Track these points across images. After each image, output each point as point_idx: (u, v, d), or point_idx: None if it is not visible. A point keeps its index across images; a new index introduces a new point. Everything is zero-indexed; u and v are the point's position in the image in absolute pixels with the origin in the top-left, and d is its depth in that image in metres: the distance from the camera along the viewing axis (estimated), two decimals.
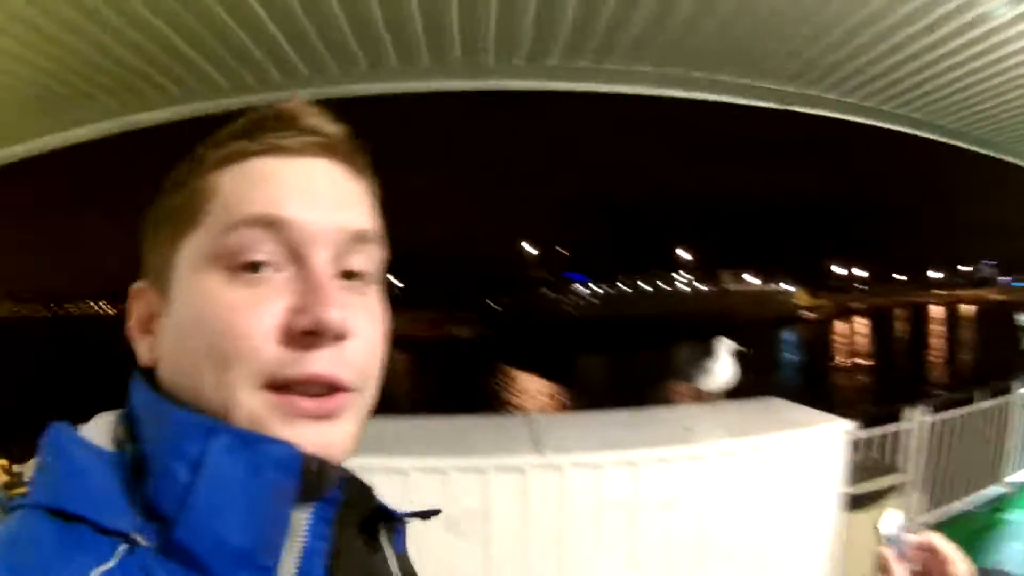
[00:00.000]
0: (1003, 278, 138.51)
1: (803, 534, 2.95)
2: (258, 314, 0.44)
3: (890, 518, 0.92)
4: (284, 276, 0.46)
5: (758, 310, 66.82)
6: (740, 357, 3.27)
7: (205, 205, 0.47)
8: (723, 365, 3.24)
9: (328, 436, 0.45)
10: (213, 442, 0.42)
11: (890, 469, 3.60)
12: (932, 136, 4.88)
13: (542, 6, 3.05)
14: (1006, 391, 5.29)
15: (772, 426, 2.91)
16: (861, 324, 64.15)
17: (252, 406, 0.44)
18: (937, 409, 4.66)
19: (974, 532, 4.29)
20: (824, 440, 2.94)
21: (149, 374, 0.50)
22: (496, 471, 2.42)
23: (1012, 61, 3.52)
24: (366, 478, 0.52)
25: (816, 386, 24.80)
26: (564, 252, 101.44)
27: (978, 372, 25.26)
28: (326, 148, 0.50)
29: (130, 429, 0.46)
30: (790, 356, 36.52)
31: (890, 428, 4.28)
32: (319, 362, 0.44)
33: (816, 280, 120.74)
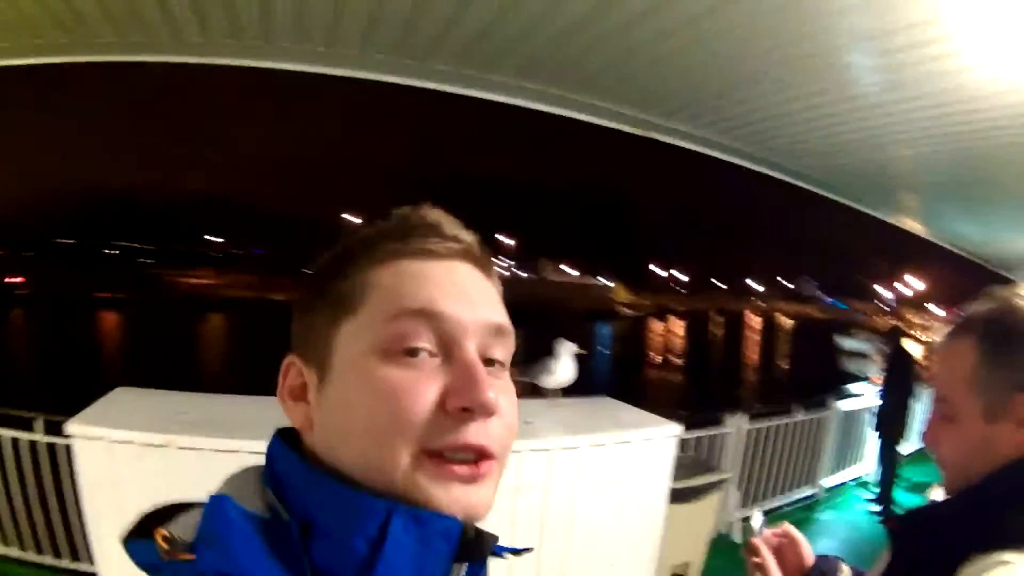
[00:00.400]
0: (825, 297, 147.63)
1: (633, 522, 3.23)
2: (420, 392, 0.51)
3: (756, 516, 1.20)
4: (437, 361, 0.53)
5: (575, 301, 67.52)
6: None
7: (365, 296, 0.55)
8: (564, 366, 3.43)
9: (474, 497, 0.52)
10: (393, 521, 0.48)
11: (711, 468, 3.98)
12: (776, 174, 5.40)
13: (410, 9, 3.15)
14: (822, 404, 5.85)
15: (608, 425, 3.16)
16: (679, 325, 65.40)
17: (410, 469, 0.50)
18: (757, 416, 5.07)
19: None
20: (655, 440, 3.23)
21: (286, 435, 0.58)
22: None
23: (862, 124, 3.98)
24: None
25: (629, 382, 24.94)
26: None
27: (795, 383, 26.38)
28: (466, 254, 0.59)
29: (275, 491, 0.52)
30: (604, 350, 36.56)
31: (712, 431, 4.61)
32: (472, 434, 0.52)
33: (636, 278, 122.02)
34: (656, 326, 63.45)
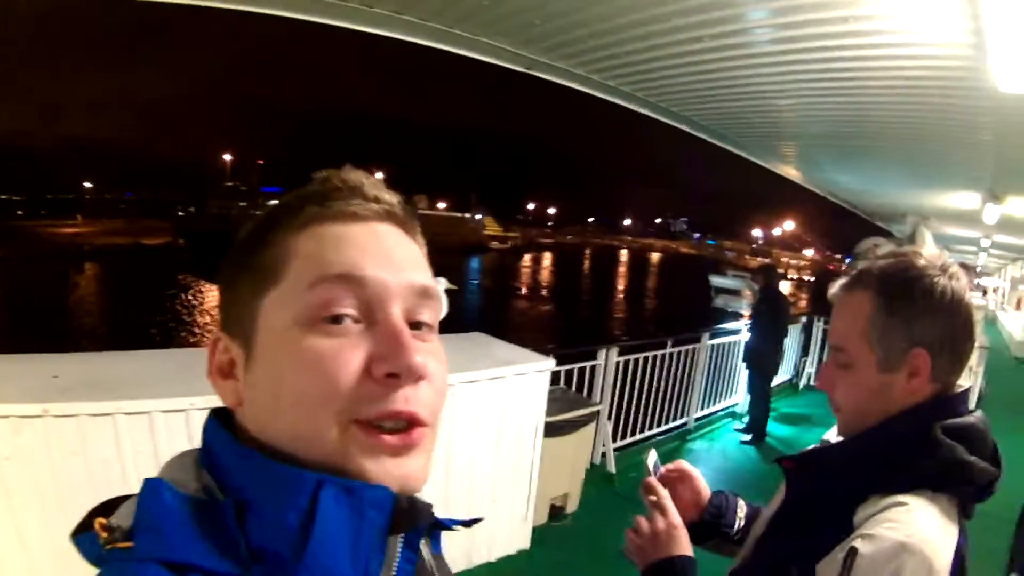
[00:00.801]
0: (695, 234, 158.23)
1: (511, 457, 3.32)
2: (345, 360, 0.49)
3: (651, 456, 1.19)
4: (362, 327, 0.51)
5: (448, 236, 67.89)
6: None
7: (287, 264, 0.52)
8: None
9: (406, 467, 0.50)
10: (322, 493, 0.46)
11: (584, 402, 4.10)
12: (655, 116, 5.49)
13: None
14: (694, 338, 6.11)
15: (482, 362, 3.18)
16: (551, 259, 67.76)
17: (340, 441, 0.49)
18: (631, 350, 5.22)
19: (661, 458, 5.09)
20: (529, 375, 3.29)
21: (221, 415, 0.55)
22: None
23: (748, 74, 4.08)
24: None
25: (502, 316, 25.73)
26: (260, 162, 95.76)
27: (668, 317, 27.81)
28: (388, 215, 0.56)
29: (212, 472, 0.50)
30: (476, 283, 37.62)
31: (584, 364, 4.69)
32: (401, 401, 0.50)
33: (509, 213, 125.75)
34: (528, 260, 65.17)
